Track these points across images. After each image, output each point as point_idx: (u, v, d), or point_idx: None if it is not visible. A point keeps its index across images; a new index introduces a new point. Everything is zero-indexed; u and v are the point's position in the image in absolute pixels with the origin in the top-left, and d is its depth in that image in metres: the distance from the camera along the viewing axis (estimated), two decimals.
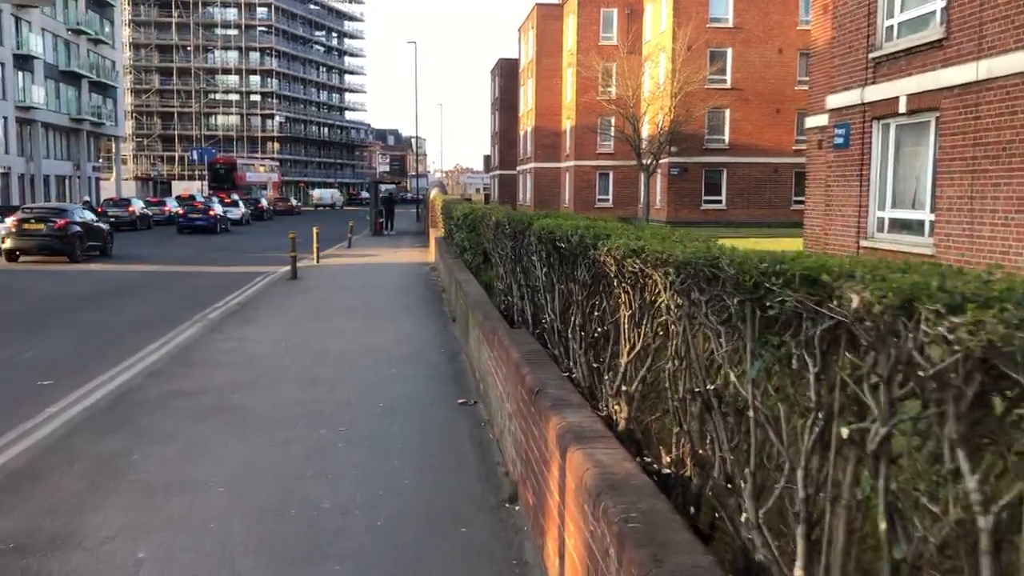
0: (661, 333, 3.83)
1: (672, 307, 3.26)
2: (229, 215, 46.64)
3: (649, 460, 3.69)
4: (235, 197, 57.37)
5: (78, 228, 25.66)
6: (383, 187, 45.19)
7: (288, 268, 20.20)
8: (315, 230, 24.81)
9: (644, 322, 3.88)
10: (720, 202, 45.45)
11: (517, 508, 5.41)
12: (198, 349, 10.89)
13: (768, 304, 2.31)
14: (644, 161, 41.57)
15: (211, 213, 42.59)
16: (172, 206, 53.91)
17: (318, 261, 24.48)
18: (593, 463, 3.50)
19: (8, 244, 24.83)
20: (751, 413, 2.48)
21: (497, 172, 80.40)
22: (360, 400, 8.28)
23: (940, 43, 12.78)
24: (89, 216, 27.89)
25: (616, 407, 4.18)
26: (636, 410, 4.06)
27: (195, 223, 41.65)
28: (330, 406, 8.02)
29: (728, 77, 44.50)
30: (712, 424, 2.89)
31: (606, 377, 4.37)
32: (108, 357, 10.27)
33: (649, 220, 43.18)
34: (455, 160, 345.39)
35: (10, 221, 25.63)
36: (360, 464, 6.35)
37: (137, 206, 46.98)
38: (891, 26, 14.41)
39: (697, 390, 3.00)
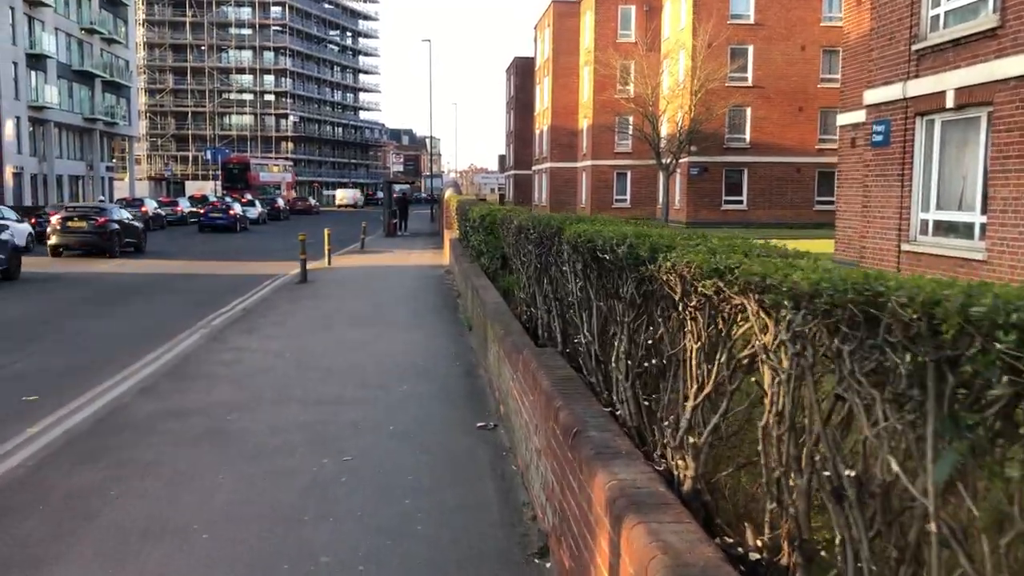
0: (742, 373, 3.01)
1: (772, 348, 2.44)
2: (247, 214, 47.83)
3: (730, 540, 2.86)
4: (249, 197, 57.61)
5: (116, 226, 27.51)
6: (397, 187, 44.48)
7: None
8: (326, 232, 24.09)
9: (719, 357, 3.07)
10: (741, 202, 44.47)
11: (548, 566, 4.60)
12: (197, 361, 10.14)
13: (972, 371, 1.48)
14: (663, 160, 40.65)
15: (231, 213, 43.86)
16: (185, 206, 53.64)
17: (330, 263, 23.75)
18: (661, 547, 2.68)
19: (53, 241, 26.46)
20: (932, 526, 1.65)
21: (512, 172, 79.60)
22: (368, 423, 7.48)
23: (994, 32, 11.87)
24: (125, 215, 29.52)
25: (679, 461, 3.36)
26: (704, 466, 3.24)
27: (216, 222, 42.97)
28: (335, 429, 7.23)
29: (749, 75, 43.52)
30: (844, 517, 2.06)
31: (665, 423, 3.54)
32: (102, 369, 9.54)
33: (668, 221, 42.27)
34: (469, 160, 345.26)
35: (55, 219, 27.38)
36: (366, 504, 5.55)
37: (150, 206, 46.55)
38: (937, 15, 13.50)
39: (824, 472, 2.17)
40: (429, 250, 30.50)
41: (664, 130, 42.02)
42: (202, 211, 45.00)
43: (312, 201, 79.84)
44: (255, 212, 51.46)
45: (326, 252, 23.97)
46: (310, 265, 23.76)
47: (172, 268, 23.73)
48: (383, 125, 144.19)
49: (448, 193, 31.23)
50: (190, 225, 46.99)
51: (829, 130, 44.37)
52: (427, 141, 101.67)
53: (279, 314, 13.96)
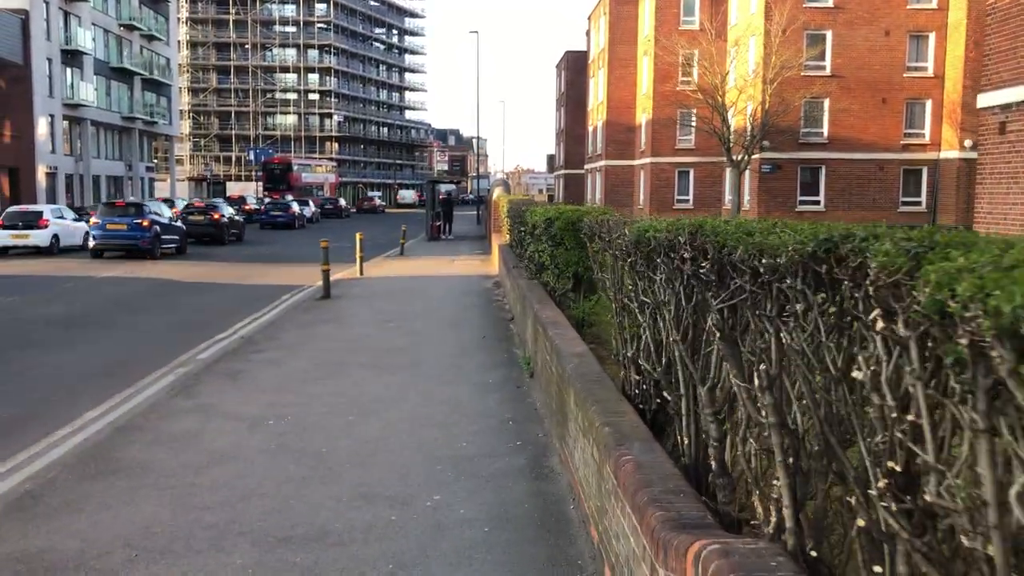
0: None
1: None
2: (305, 212, 51.95)
3: None
4: (289, 198, 55.37)
5: (157, 228, 27.36)
6: (442, 187, 41.23)
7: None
8: (358, 237, 20.92)
9: None
10: (818, 203, 40.46)
11: None
12: (135, 436, 6.90)
13: None
14: (734, 156, 36.86)
15: (290, 211, 48.03)
16: (224, 213, 50.53)
17: (362, 273, 20.60)
18: None
19: (93, 244, 26.48)
20: None
21: (562, 171, 76.04)
22: None
23: None
24: (167, 215, 28.67)
25: None
26: None
27: (276, 219, 46.86)
28: None
29: (827, 63, 39.50)
30: None
31: None
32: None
33: None
34: (516, 161, 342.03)
35: (93, 219, 27.71)
36: None
37: (182, 208, 44.11)
38: None
39: None
40: (475, 256, 27.22)
41: (734, 123, 38.21)
42: (262, 209, 48.69)
43: (377, 200, 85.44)
44: (309, 211, 54.70)
45: (358, 260, 20.82)
46: (340, 274, 20.70)
47: (193, 274, 21.18)
48: (429, 125, 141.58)
49: (497, 192, 27.91)
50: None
51: (915, 123, 40.21)
52: (474, 140, 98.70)
53: (281, 348, 10.73)
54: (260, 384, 8.65)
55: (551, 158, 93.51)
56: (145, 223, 26.11)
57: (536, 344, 8.34)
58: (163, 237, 27.04)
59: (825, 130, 40.10)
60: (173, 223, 28.93)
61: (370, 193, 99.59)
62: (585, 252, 8.50)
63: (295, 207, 49.06)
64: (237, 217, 35.48)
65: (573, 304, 9.37)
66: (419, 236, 37.27)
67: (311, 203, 57.43)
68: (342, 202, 71.06)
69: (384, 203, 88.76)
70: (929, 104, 39.79)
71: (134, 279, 20.05)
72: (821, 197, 40.58)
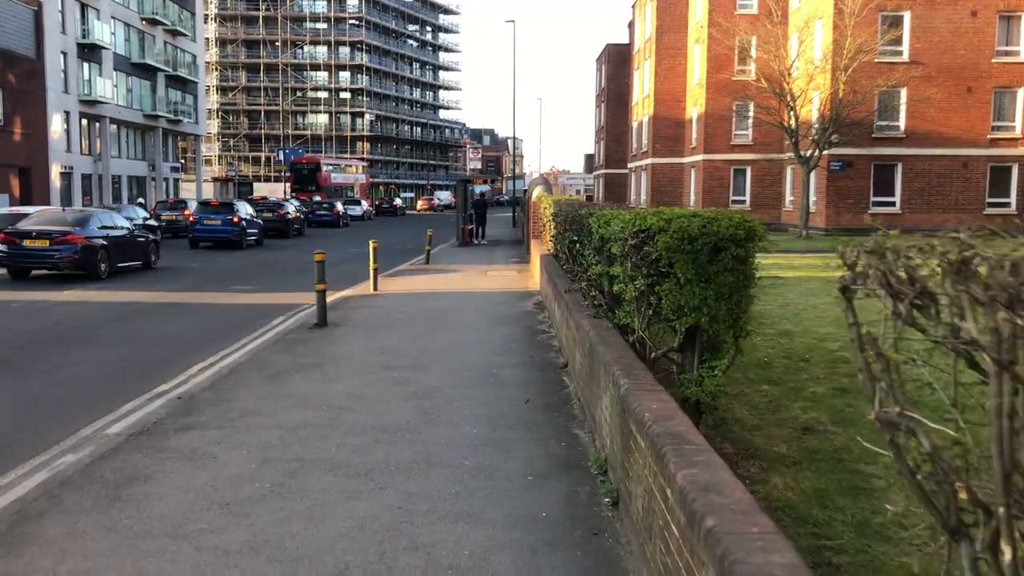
0: None
1: None
2: (350, 212, 57.38)
3: None
4: (319, 199, 54.18)
5: (244, 223, 30.66)
6: (476, 188, 37.59)
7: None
8: (372, 245, 17.36)
9: None
10: (893, 204, 36.27)
11: None
12: None
13: None
14: (803, 152, 32.85)
15: (335, 210, 52.35)
16: (243, 213, 47.64)
17: (375, 288, 17.08)
18: None
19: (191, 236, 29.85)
20: None
21: (602, 171, 72.18)
22: None
23: None
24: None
25: None
26: None
27: (322, 218, 50.70)
28: None
29: (905, 48, 35.33)
30: None
31: None
32: None
33: (807, 228, 34.43)
34: (551, 162, 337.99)
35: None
36: None
37: (193, 209, 40.99)
38: None
39: None
40: (511, 266, 23.61)
41: (800, 116, 34.18)
42: (309, 210, 50.91)
43: (436, 201, 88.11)
44: (359, 210, 61.08)
45: (371, 272, 17.29)
46: (348, 291, 17.18)
47: (168, 295, 17.35)
48: (464, 124, 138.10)
49: (537, 192, 24.22)
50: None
51: (1005, 115, 35.85)
52: (509, 140, 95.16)
53: (223, 422, 7.15)
54: (149, 515, 5.05)
55: (589, 158, 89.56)
56: (235, 219, 30.62)
57: (625, 450, 4.70)
58: (248, 231, 31.40)
59: (902, 123, 35.93)
60: (255, 219, 33.36)
61: (401, 195, 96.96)
62: (716, 288, 4.85)
63: (339, 206, 53.58)
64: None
65: (679, 370, 5.68)
66: (450, 241, 33.77)
67: (363, 203, 65.40)
68: (398, 202, 79.58)
69: (404, 205, 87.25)
70: (1021, 93, 35.45)
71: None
72: (897, 198, 36.42)
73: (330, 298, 16.51)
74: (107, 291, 17.43)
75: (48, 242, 19.02)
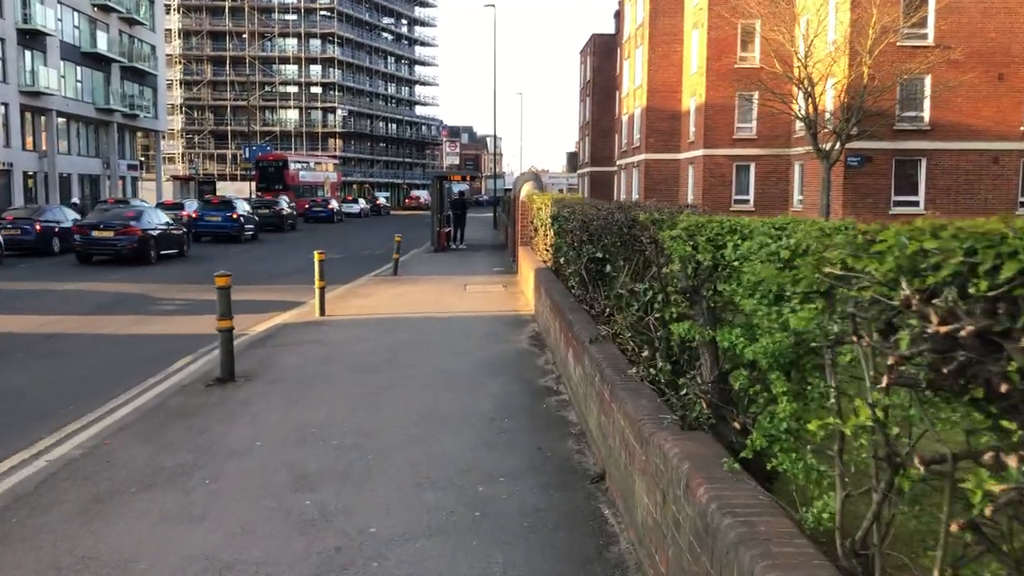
0: None
1: None
2: (346, 210, 64.13)
3: None
4: (283, 199, 49.16)
5: (242, 219, 34.04)
6: (454, 186, 33.52)
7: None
8: (317, 256, 13.33)
9: None
10: (916, 203, 32.71)
11: None
12: None
13: None
14: (822, 146, 29.18)
15: (330, 207, 57.64)
16: (190, 209, 43.40)
17: (322, 312, 13.13)
18: None
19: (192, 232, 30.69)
20: None
21: (588, 169, 68.34)
22: None
23: None
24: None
25: None
26: None
27: (318, 215, 55.59)
28: None
29: (930, 30, 31.75)
30: None
31: None
32: None
33: None
34: (531, 162, 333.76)
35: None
36: None
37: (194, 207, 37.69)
38: None
39: None
40: (496, 277, 19.72)
41: (816, 105, 30.48)
42: (307, 207, 55.63)
43: (382, 201, 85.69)
44: (357, 208, 69.37)
45: (316, 292, 13.33)
46: (288, 315, 13.24)
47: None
48: (441, 122, 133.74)
49: (526, 190, 20.30)
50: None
51: None
52: (490, 136, 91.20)
53: None
54: None
55: (572, 156, 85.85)
56: (234, 216, 33.27)
57: None
58: (245, 226, 33.93)
59: (926, 114, 32.35)
60: (251, 215, 36.09)
61: (376, 194, 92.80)
62: None
63: (334, 204, 59.19)
64: (292, 211, 46.73)
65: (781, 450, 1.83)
66: (424, 245, 29.84)
67: (361, 201, 73.99)
68: (382, 201, 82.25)
69: (389, 204, 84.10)
70: None
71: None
72: (920, 196, 32.86)
73: (261, 326, 12.57)
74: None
75: (113, 233, 23.20)
